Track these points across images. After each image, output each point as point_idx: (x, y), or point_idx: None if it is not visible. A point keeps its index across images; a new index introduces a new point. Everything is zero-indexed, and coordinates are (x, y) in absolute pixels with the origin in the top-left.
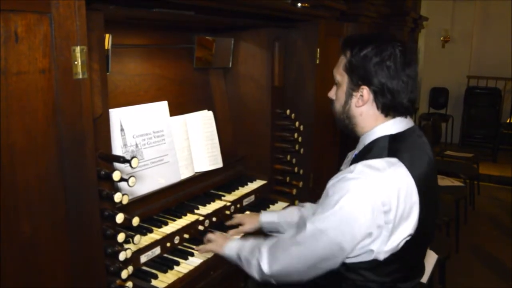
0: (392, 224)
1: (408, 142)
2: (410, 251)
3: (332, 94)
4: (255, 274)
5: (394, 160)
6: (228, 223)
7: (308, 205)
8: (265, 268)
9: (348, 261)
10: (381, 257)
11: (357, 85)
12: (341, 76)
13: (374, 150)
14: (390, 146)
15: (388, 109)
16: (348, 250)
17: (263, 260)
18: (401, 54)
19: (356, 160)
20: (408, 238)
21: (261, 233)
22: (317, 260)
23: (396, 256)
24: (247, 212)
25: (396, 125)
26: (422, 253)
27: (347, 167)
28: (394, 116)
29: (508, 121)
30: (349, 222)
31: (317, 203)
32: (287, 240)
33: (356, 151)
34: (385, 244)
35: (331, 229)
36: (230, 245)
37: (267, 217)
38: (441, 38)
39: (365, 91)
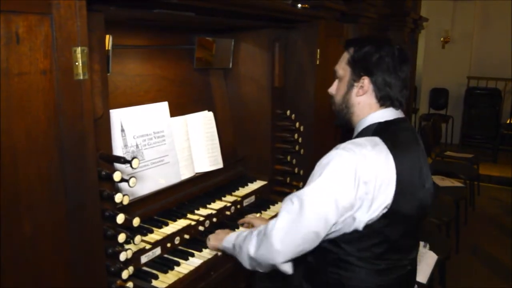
0: (371, 194)
1: (393, 128)
2: (388, 226)
3: (332, 89)
4: (245, 259)
5: (376, 138)
6: (240, 221)
7: None
8: (251, 251)
9: (330, 235)
10: (361, 226)
11: (359, 76)
12: (343, 70)
13: (362, 135)
14: (376, 129)
15: (385, 100)
16: (332, 223)
17: (251, 242)
18: (398, 52)
19: None
20: (385, 211)
21: None
22: (303, 234)
23: (375, 230)
24: (257, 215)
25: (387, 114)
26: (403, 234)
27: None
28: (387, 107)
29: (508, 121)
30: (333, 193)
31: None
32: (273, 220)
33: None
34: (365, 213)
35: (316, 202)
36: (228, 238)
37: None
38: (441, 38)
39: (366, 81)
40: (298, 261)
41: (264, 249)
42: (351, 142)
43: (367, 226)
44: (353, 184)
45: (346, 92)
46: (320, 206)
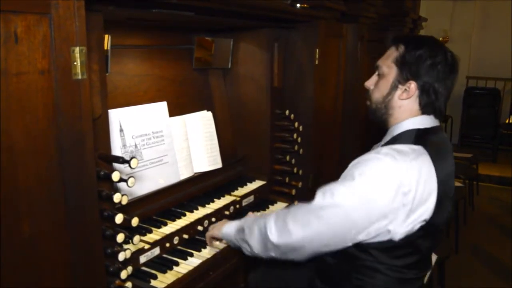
0: (410, 206)
1: (434, 137)
2: (423, 238)
3: (370, 83)
4: (255, 243)
5: (419, 147)
6: None
7: None
8: (274, 237)
9: (363, 241)
10: (397, 237)
11: (405, 79)
12: (388, 68)
13: (400, 140)
14: (416, 137)
15: (427, 108)
16: (362, 229)
17: (271, 229)
18: (451, 60)
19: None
20: (423, 223)
21: None
22: (330, 236)
23: (410, 240)
24: (258, 214)
25: (425, 121)
26: (432, 244)
27: None
28: (428, 114)
29: (507, 121)
30: (368, 199)
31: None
32: (301, 210)
33: (382, 142)
34: (401, 225)
35: (349, 205)
36: (229, 224)
37: None
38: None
39: (413, 85)
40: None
41: (288, 233)
42: (393, 148)
43: (403, 237)
44: (391, 194)
45: (389, 93)
46: (351, 209)
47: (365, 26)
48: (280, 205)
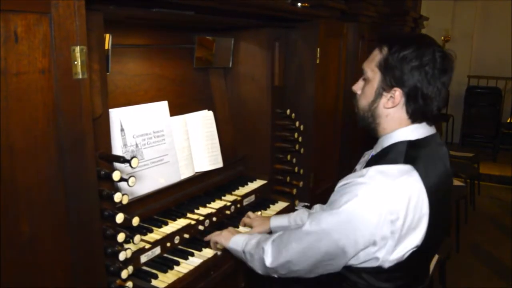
0: (398, 233)
1: (426, 150)
2: (415, 262)
3: (357, 88)
4: (257, 267)
5: (408, 167)
6: (241, 224)
7: (317, 206)
8: (268, 261)
9: (352, 265)
10: (386, 265)
11: (389, 86)
12: (372, 72)
13: (390, 155)
14: (407, 153)
15: (417, 115)
16: (351, 255)
17: (266, 253)
18: (441, 59)
19: (371, 162)
20: (414, 249)
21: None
22: (319, 259)
23: (401, 266)
24: (258, 213)
25: (417, 131)
26: (427, 263)
27: (362, 166)
28: (420, 122)
29: (508, 120)
30: (353, 226)
31: (326, 205)
32: (291, 235)
33: (373, 152)
34: (390, 253)
35: (335, 231)
36: (236, 239)
37: (277, 221)
38: (442, 37)
39: (398, 93)
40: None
41: (281, 260)
42: (380, 171)
43: (393, 265)
44: (377, 222)
45: (373, 101)
46: (339, 239)
47: (365, 25)
48: (281, 204)
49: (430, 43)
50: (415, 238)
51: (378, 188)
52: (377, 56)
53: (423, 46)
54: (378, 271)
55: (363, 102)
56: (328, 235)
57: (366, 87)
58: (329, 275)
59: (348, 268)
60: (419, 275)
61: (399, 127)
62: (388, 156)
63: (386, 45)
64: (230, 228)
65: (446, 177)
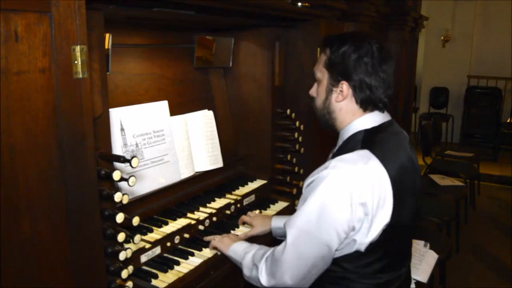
0: (371, 214)
1: (383, 134)
2: (389, 241)
3: (313, 91)
4: (255, 283)
5: (365, 152)
6: (240, 222)
7: None
8: (263, 281)
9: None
10: (363, 248)
11: (337, 81)
12: (321, 72)
13: (349, 145)
14: (364, 140)
15: (367, 104)
16: (335, 247)
17: (261, 272)
18: (378, 50)
19: (334, 156)
20: (385, 227)
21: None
22: (309, 266)
23: (376, 246)
24: (256, 212)
25: (372, 119)
26: (402, 243)
27: None
28: (372, 111)
29: (508, 120)
30: (329, 217)
31: (298, 206)
32: (280, 249)
33: (336, 147)
34: (365, 235)
35: (313, 227)
36: (235, 248)
37: (278, 222)
38: (442, 37)
39: (345, 86)
40: None
41: (277, 279)
42: (340, 160)
43: (369, 246)
44: (350, 206)
45: (326, 98)
46: (320, 235)
47: (366, 25)
48: (281, 204)
49: (366, 37)
50: (385, 216)
51: (342, 175)
52: (322, 58)
53: (360, 40)
54: (356, 256)
55: (318, 101)
56: (307, 234)
57: (319, 88)
58: None
59: None
60: (397, 258)
61: (354, 118)
62: (347, 146)
63: (328, 46)
64: (231, 235)
65: (407, 159)
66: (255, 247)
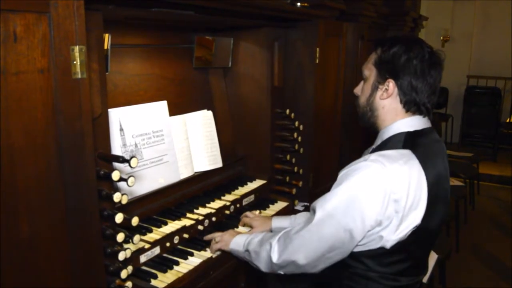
0: (402, 213)
1: (424, 139)
2: (415, 243)
3: (358, 90)
4: (262, 264)
5: (407, 151)
6: (240, 224)
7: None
8: (275, 257)
9: (355, 249)
10: (388, 245)
11: (384, 78)
12: (369, 70)
13: (389, 144)
14: (406, 141)
15: (410, 105)
16: (358, 239)
17: (273, 249)
18: (429, 55)
19: (372, 153)
20: (414, 229)
21: None
22: (326, 249)
23: (401, 246)
24: (256, 212)
25: (413, 122)
26: (425, 249)
27: None
28: (414, 113)
29: (508, 120)
30: (359, 207)
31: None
32: (297, 228)
33: (373, 146)
34: (393, 232)
35: (339, 213)
36: (237, 240)
37: (279, 222)
38: (441, 37)
39: (391, 84)
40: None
41: (288, 255)
42: (381, 155)
43: (395, 244)
44: (382, 201)
45: (370, 95)
46: (346, 222)
47: (365, 25)
48: (280, 204)
49: (419, 41)
50: (416, 216)
51: (380, 168)
52: (373, 56)
53: (411, 42)
54: (379, 254)
55: (362, 99)
56: (333, 218)
57: (365, 85)
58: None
59: (350, 254)
60: (418, 263)
61: (396, 118)
62: (387, 145)
63: (380, 46)
64: (231, 231)
65: (443, 169)
66: (260, 234)
